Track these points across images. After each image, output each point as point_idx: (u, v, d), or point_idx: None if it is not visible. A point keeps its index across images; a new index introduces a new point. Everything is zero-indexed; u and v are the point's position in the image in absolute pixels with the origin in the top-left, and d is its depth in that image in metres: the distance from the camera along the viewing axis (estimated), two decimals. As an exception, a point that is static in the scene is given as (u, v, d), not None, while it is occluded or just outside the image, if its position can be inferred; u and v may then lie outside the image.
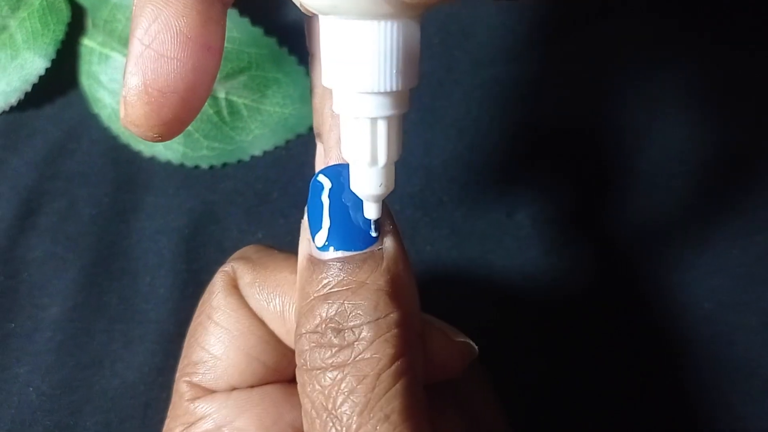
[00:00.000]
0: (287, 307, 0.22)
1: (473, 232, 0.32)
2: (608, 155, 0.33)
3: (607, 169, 0.33)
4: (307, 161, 0.34)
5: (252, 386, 0.22)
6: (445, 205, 0.33)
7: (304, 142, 0.34)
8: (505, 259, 0.32)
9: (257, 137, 0.34)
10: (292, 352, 0.23)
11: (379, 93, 0.17)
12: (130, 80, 0.18)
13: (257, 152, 0.34)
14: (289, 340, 0.22)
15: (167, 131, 0.18)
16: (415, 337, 0.19)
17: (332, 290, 0.19)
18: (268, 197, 0.33)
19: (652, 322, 0.31)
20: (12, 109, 0.34)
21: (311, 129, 0.34)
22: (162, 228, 0.33)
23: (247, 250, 0.24)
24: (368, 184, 0.19)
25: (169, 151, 0.33)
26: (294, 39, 0.33)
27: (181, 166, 0.34)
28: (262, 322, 0.22)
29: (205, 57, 0.18)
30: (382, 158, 0.18)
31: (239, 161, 0.34)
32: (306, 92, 0.34)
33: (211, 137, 0.33)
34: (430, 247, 0.32)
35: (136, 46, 0.18)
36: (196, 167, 0.34)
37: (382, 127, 0.18)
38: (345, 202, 0.20)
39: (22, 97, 0.34)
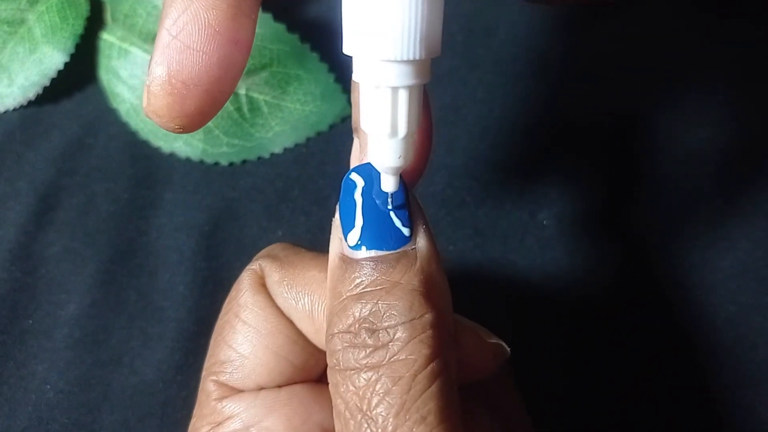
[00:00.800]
0: (316, 305, 0.22)
1: (496, 232, 0.32)
2: (632, 155, 0.33)
3: (630, 170, 0.33)
4: (328, 159, 0.34)
5: (279, 386, 0.22)
6: (468, 205, 0.32)
7: (325, 139, 0.34)
8: (528, 259, 0.32)
9: (277, 134, 0.33)
10: (320, 351, 0.22)
11: (402, 61, 0.17)
12: (155, 70, 0.17)
13: (277, 149, 0.34)
14: (317, 339, 0.22)
15: (189, 123, 0.18)
16: (449, 338, 0.19)
17: (365, 290, 0.18)
18: (288, 195, 0.33)
19: (675, 324, 0.31)
20: (30, 103, 0.34)
21: (332, 127, 0.34)
22: (181, 225, 0.33)
23: (275, 248, 0.24)
24: (387, 156, 0.18)
25: (189, 147, 0.33)
26: (317, 35, 0.33)
27: (201, 162, 0.34)
28: (289, 321, 0.22)
29: (233, 51, 0.18)
30: (402, 129, 0.18)
31: (259, 158, 0.34)
32: (327, 89, 0.33)
33: (231, 134, 0.33)
34: (453, 246, 0.32)
35: (163, 36, 0.17)
36: (216, 164, 0.34)
37: (403, 97, 0.17)
38: (375, 198, 0.19)
39: (40, 91, 0.34)
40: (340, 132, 0.34)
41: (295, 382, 0.22)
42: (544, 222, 0.32)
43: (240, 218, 0.33)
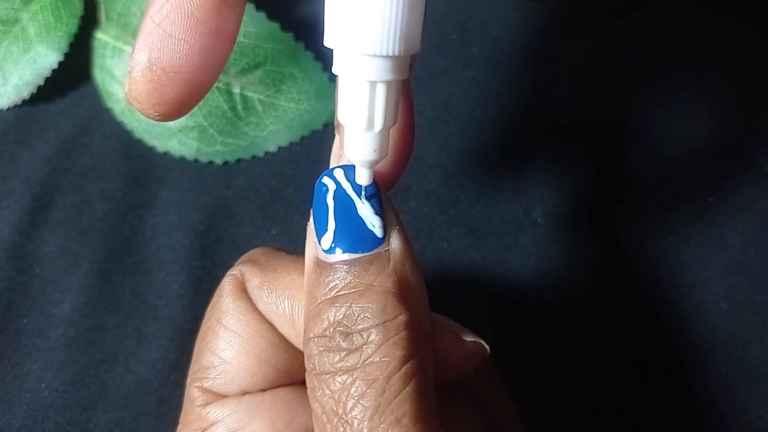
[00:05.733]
0: (296, 309, 0.22)
1: (490, 230, 0.32)
2: (626, 154, 0.33)
3: (624, 168, 0.33)
4: (322, 158, 0.34)
5: (263, 390, 0.22)
6: (462, 203, 0.32)
7: (319, 138, 0.34)
8: (522, 257, 0.32)
9: (272, 133, 0.33)
10: (302, 354, 0.22)
11: (381, 56, 0.17)
12: (137, 56, 0.18)
13: (272, 148, 0.34)
14: (298, 342, 0.22)
15: (169, 111, 0.18)
16: (424, 338, 0.19)
17: (339, 293, 0.18)
18: (282, 193, 0.33)
19: (669, 322, 0.31)
20: (24, 102, 0.34)
21: (326, 125, 0.34)
22: (176, 224, 0.33)
23: (255, 252, 0.24)
24: (362, 149, 0.18)
25: (183, 146, 0.33)
26: (311, 34, 0.33)
27: (195, 161, 0.34)
28: (271, 325, 0.22)
29: (215, 41, 0.18)
30: (378, 123, 0.18)
31: (253, 157, 0.34)
32: (322, 88, 0.33)
33: (225, 132, 0.33)
34: (447, 244, 0.32)
35: (147, 24, 0.18)
36: (210, 163, 0.34)
37: (380, 92, 0.18)
38: (349, 196, 0.19)
39: (35, 90, 0.34)
40: (335, 130, 0.34)
41: (279, 386, 0.22)
42: (539, 220, 0.32)
43: (234, 217, 0.33)
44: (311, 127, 0.34)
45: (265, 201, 0.33)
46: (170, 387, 0.30)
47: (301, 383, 0.23)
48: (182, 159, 0.34)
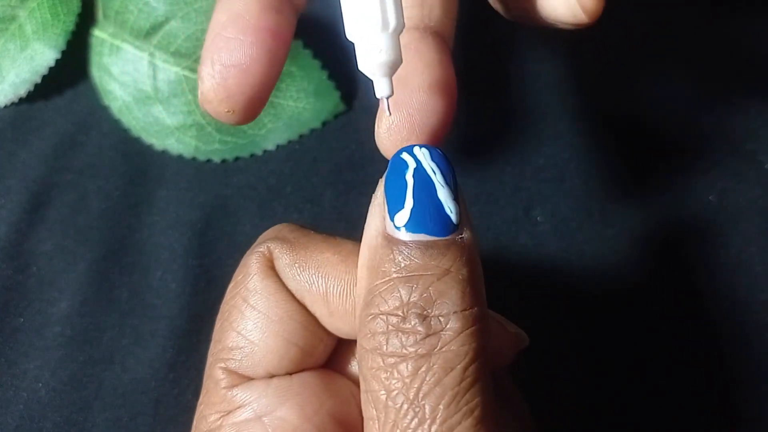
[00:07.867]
0: (332, 288, 0.21)
1: (489, 228, 0.32)
2: (625, 152, 0.33)
3: (623, 166, 0.33)
4: (321, 156, 0.34)
5: (289, 373, 0.21)
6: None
7: (318, 136, 0.34)
8: (521, 256, 0.32)
9: (270, 131, 0.33)
10: (329, 335, 0.22)
11: None
12: (203, 62, 0.20)
13: (270, 146, 0.34)
14: (330, 322, 0.21)
15: (237, 106, 0.20)
16: (488, 332, 0.19)
17: (414, 273, 0.18)
18: (281, 192, 0.33)
19: (668, 321, 0.31)
20: (21, 101, 0.34)
21: (325, 124, 0.34)
22: (174, 222, 0.33)
23: (282, 229, 0.23)
24: (380, 53, 0.18)
25: (181, 144, 0.33)
26: (309, 32, 0.33)
27: (193, 159, 0.33)
28: (300, 305, 0.21)
29: (267, 38, 0.20)
30: (392, 20, 0.18)
31: (252, 155, 0.34)
32: (320, 86, 0.33)
33: (223, 131, 0.33)
34: (446, 243, 0.32)
35: (209, 34, 0.21)
36: (208, 161, 0.33)
37: None
38: (430, 177, 0.19)
39: (32, 88, 0.34)
40: (333, 129, 0.34)
41: (303, 369, 0.22)
42: (538, 218, 0.32)
43: (233, 215, 0.33)
44: (310, 126, 0.34)
45: (263, 199, 0.33)
46: (168, 386, 0.30)
47: (324, 367, 0.22)
48: (180, 157, 0.33)
